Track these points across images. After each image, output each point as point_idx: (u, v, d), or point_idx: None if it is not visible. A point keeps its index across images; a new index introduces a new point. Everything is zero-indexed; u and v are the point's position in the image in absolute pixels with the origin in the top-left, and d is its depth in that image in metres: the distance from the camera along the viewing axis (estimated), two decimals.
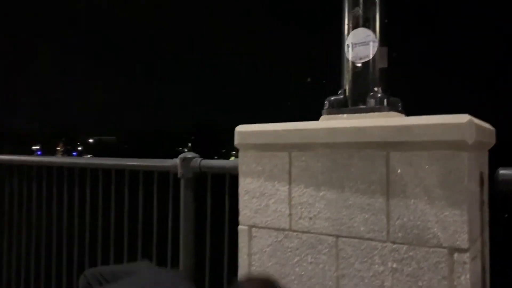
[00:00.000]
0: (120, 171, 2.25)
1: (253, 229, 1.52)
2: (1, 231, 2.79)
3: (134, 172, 2.22)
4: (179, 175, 2.02)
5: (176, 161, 2.02)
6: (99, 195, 2.34)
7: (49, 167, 2.55)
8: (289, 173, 1.44)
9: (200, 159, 2.00)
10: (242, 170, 1.55)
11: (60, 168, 2.50)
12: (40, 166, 2.61)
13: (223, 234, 1.93)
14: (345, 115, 1.48)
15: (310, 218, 1.39)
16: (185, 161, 2.00)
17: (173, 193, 2.10)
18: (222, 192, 1.95)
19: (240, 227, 1.56)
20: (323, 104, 1.56)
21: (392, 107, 1.45)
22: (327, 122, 1.44)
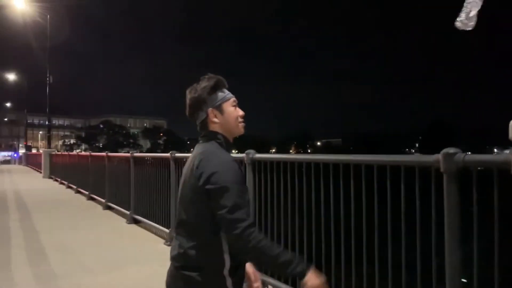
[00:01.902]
0: (381, 167, 2.49)
1: None
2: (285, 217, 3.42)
3: (395, 168, 2.42)
4: (442, 170, 2.12)
5: (439, 156, 2.12)
6: (362, 189, 2.63)
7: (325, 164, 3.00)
8: None
9: (464, 154, 2.05)
10: None
11: (326, 165, 2.92)
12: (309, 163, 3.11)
13: (490, 228, 1.93)
14: None
15: None
16: (448, 156, 2.08)
17: (435, 188, 2.21)
18: (486, 186, 1.96)
19: None
20: None
21: None
22: None
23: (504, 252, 1.87)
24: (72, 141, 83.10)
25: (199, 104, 1.87)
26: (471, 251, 2.04)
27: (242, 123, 1.93)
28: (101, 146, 76.68)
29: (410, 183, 2.35)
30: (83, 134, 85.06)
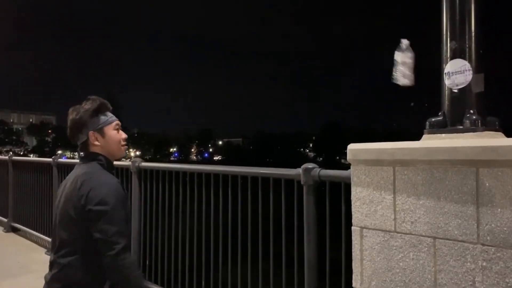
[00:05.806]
0: (254, 178, 2.74)
1: (364, 230, 1.85)
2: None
3: (265, 179, 2.68)
4: (302, 183, 2.42)
5: (299, 170, 2.43)
6: (238, 197, 2.86)
7: (199, 174, 3.18)
8: (394, 184, 1.74)
9: (320, 169, 2.37)
10: (354, 180, 1.89)
11: (208, 175, 3.11)
12: (191, 173, 3.26)
13: (340, 233, 2.27)
14: (443, 135, 1.72)
15: (412, 222, 1.67)
16: (306, 171, 2.39)
17: (297, 197, 2.51)
18: (338, 197, 2.30)
19: (353, 227, 1.89)
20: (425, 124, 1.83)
21: (487, 127, 1.65)
22: (426, 142, 1.70)
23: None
24: None
25: (80, 126, 1.92)
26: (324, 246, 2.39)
27: (125, 146, 2.01)
28: None
29: (279, 192, 2.64)
30: None
